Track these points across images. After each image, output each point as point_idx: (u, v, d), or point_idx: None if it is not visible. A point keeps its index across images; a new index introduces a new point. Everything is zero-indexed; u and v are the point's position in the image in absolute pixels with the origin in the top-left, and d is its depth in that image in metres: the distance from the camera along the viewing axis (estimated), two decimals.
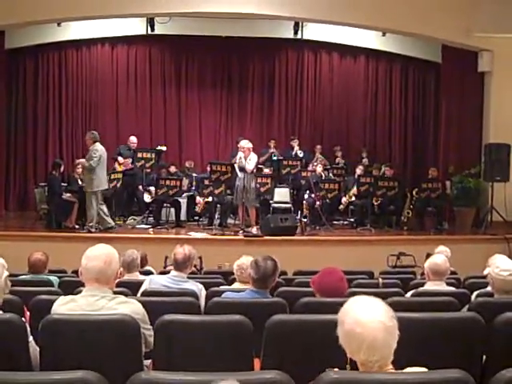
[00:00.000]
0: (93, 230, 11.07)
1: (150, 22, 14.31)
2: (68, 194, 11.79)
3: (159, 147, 13.53)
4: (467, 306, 4.50)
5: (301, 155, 14.09)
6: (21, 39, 14.13)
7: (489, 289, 4.92)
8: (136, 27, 14.66)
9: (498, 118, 13.01)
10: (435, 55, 14.56)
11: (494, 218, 12.21)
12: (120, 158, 13.05)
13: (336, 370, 2.58)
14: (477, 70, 13.30)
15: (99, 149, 11.17)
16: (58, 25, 13.78)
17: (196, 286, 5.29)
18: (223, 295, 4.82)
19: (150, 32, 14.55)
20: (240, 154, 11.61)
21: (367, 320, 2.41)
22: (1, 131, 13.68)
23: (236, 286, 5.57)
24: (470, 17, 12.54)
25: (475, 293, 5.20)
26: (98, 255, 3.57)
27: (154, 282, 5.41)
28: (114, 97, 15.31)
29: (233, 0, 12.24)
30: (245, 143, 11.71)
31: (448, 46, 13.60)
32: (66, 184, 12.33)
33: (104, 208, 11.37)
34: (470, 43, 12.94)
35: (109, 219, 11.38)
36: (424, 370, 2.52)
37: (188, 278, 5.49)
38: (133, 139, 13.46)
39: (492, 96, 13.20)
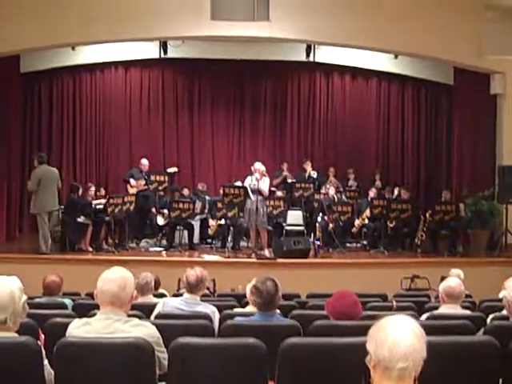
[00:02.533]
0: (45, 250, 11.16)
1: (163, 46, 14.45)
2: (82, 217, 11.83)
3: (170, 169, 13.57)
4: (482, 330, 4.47)
5: (314, 175, 14.08)
6: (36, 63, 14.27)
7: (504, 312, 4.89)
8: (149, 51, 14.79)
9: (511, 140, 12.97)
10: (447, 77, 14.58)
11: (508, 240, 12.13)
12: (132, 181, 13.09)
13: None
14: (489, 92, 13.30)
15: (37, 172, 11.36)
16: (73, 49, 13.94)
17: (209, 309, 5.29)
18: (235, 319, 4.81)
19: (163, 55, 14.67)
20: (256, 176, 11.58)
21: (400, 320, 2.45)
22: (16, 154, 13.77)
23: (249, 309, 5.55)
24: (482, 39, 12.56)
25: (490, 316, 5.17)
26: (114, 278, 3.58)
27: (168, 304, 5.42)
28: (128, 120, 15.39)
29: (245, 23, 12.31)
30: (259, 165, 11.74)
31: (460, 69, 13.60)
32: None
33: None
34: (482, 65, 12.94)
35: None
36: None
37: (201, 300, 5.50)
38: (144, 162, 13.52)
39: (505, 118, 13.16)
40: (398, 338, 2.38)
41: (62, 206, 12.22)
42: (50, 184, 11.33)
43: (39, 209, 11.28)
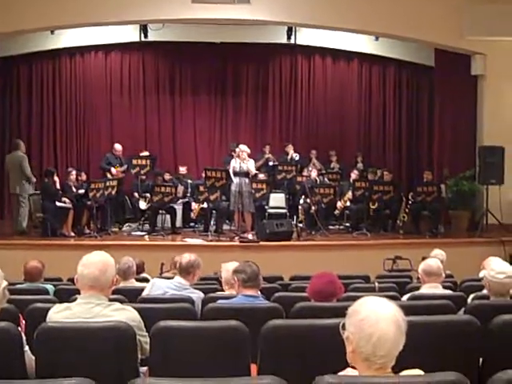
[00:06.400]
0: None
1: (144, 29, 14.32)
2: (63, 200, 11.78)
3: (142, 154, 13.48)
4: (463, 309, 4.51)
5: (296, 158, 14.08)
6: (14, 47, 14.11)
7: (485, 291, 4.93)
8: (129, 34, 14.65)
9: (491, 121, 13.03)
10: (428, 59, 14.58)
11: (489, 220, 12.22)
12: (113, 169, 13.06)
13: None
14: (470, 73, 13.33)
15: (6, 158, 12.62)
16: (52, 33, 13.77)
17: (197, 294, 5.29)
18: (217, 302, 4.81)
19: (143, 39, 14.55)
20: (238, 160, 11.63)
21: (384, 312, 2.42)
22: None
23: (228, 292, 5.55)
24: (463, 20, 12.57)
25: (471, 295, 5.21)
26: (94, 262, 3.57)
27: (157, 286, 5.43)
28: (108, 104, 15.28)
29: (226, 6, 12.24)
30: (245, 148, 11.81)
31: (441, 50, 13.62)
32: (60, 191, 12.33)
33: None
34: (462, 46, 12.97)
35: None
36: (421, 372, 2.52)
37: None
38: (117, 147, 13.48)
39: (485, 99, 13.22)
40: (383, 335, 2.37)
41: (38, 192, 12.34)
42: (12, 169, 12.17)
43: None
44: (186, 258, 5.49)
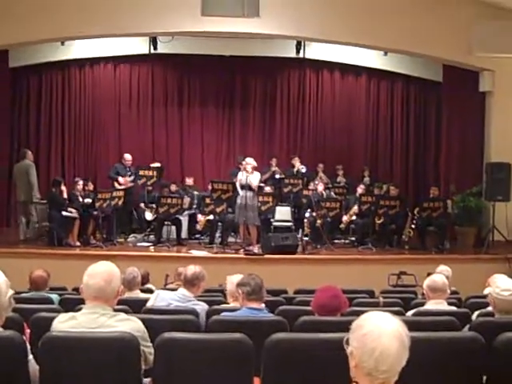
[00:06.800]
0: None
1: (153, 41, 14.39)
2: (69, 210, 11.79)
3: (153, 164, 13.53)
4: (468, 326, 4.49)
5: (303, 170, 14.08)
6: (24, 58, 14.21)
7: (489, 308, 4.92)
8: (139, 46, 14.74)
9: (499, 138, 13.04)
10: (436, 74, 14.62)
11: (495, 237, 12.19)
12: (120, 179, 13.10)
13: None
14: (478, 89, 13.35)
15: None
16: (62, 44, 13.85)
17: (202, 306, 5.29)
18: (221, 314, 4.81)
19: (152, 51, 14.62)
20: (244, 173, 11.61)
21: (387, 327, 2.41)
22: (4, 149, 13.73)
23: (233, 304, 5.55)
24: (471, 36, 12.58)
25: (476, 312, 5.19)
26: (99, 273, 3.56)
27: (161, 298, 5.42)
28: (117, 115, 15.35)
29: (235, 19, 12.30)
30: (251, 160, 11.78)
31: (449, 66, 13.66)
32: (67, 201, 12.35)
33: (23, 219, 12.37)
34: (470, 63, 13.00)
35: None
36: None
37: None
38: (127, 157, 13.53)
39: (493, 115, 13.23)
40: (385, 349, 2.35)
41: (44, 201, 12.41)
42: (19, 177, 12.48)
43: None
44: (191, 269, 5.48)
